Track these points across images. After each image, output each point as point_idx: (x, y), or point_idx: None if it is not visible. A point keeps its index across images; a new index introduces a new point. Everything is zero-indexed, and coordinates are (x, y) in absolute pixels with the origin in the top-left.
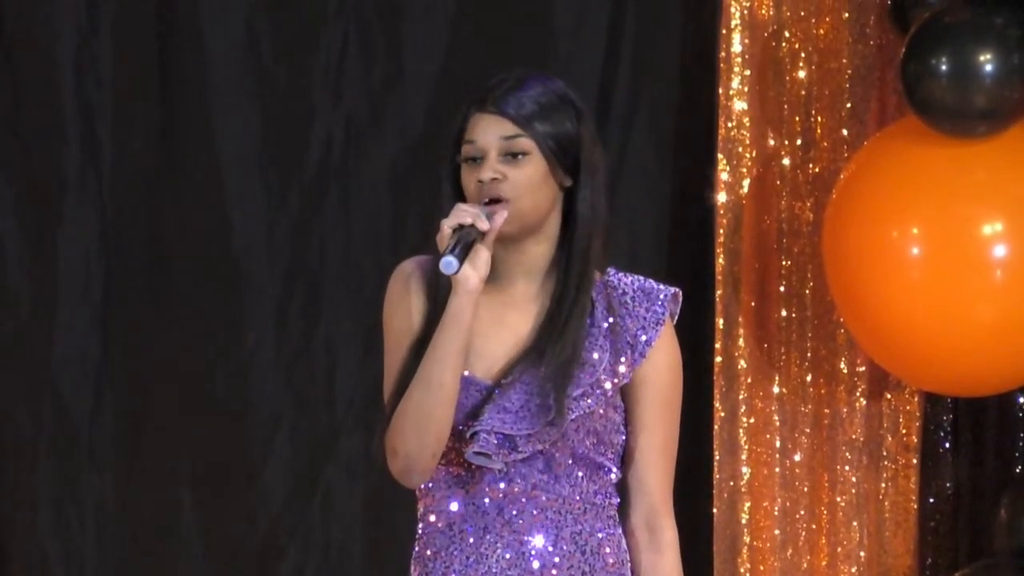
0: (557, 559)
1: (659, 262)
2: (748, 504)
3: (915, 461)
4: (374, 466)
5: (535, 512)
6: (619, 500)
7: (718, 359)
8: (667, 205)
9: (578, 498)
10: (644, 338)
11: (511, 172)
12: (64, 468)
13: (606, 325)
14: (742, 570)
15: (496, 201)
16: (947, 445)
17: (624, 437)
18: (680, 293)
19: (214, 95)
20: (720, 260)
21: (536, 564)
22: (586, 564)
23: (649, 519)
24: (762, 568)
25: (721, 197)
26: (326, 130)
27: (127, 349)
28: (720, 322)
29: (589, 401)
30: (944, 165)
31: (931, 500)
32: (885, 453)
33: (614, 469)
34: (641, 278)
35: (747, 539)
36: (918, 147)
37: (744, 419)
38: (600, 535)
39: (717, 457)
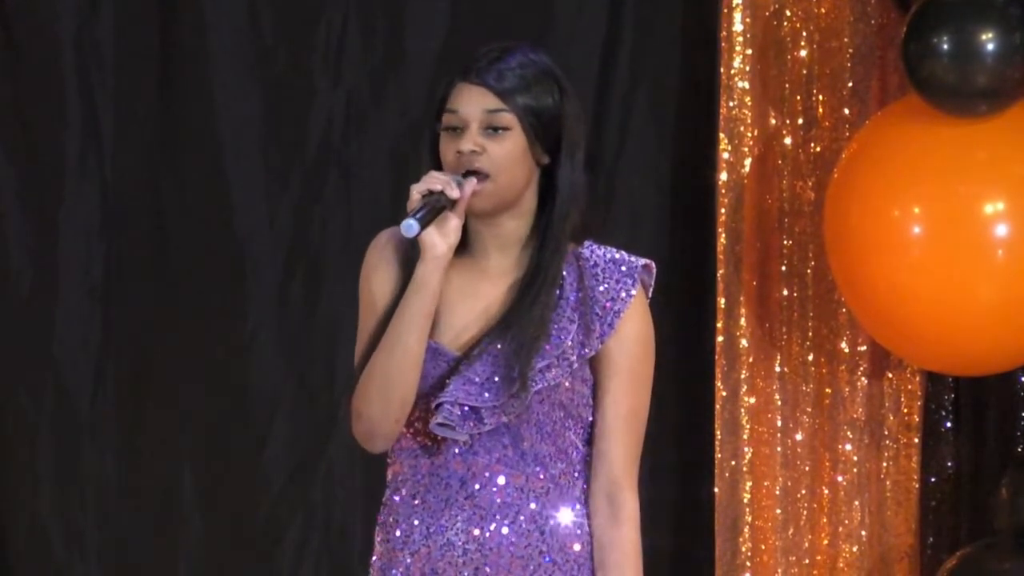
0: (515, 537)
1: (660, 241)
2: (749, 483)
3: (916, 440)
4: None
5: (497, 487)
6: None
7: (719, 339)
8: (668, 184)
9: (542, 476)
10: (613, 309)
11: (491, 146)
12: (65, 447)
13: (575, 298)
14: (743, 549)
15: (474, 173)
16: (948, 424)
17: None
18: (653, 265)
19: (215, 75)
20: (721, 239)
21: (494, 540)
22: (544, 544)
23: (610, 491)
24: (763, 547)
25: (722, 176)
26: (327, 110)
27: (128, 329)
28: (721, 302)
29: (554, 372)
30: (946, 144)
31: (932, 479)
32: (886, 432)
33: (580, 446)
34: (614, 250)
35: (748, 518)
36: (920, 126)
37: (745, 399)
38: (561, 516)
39: (719, 436)
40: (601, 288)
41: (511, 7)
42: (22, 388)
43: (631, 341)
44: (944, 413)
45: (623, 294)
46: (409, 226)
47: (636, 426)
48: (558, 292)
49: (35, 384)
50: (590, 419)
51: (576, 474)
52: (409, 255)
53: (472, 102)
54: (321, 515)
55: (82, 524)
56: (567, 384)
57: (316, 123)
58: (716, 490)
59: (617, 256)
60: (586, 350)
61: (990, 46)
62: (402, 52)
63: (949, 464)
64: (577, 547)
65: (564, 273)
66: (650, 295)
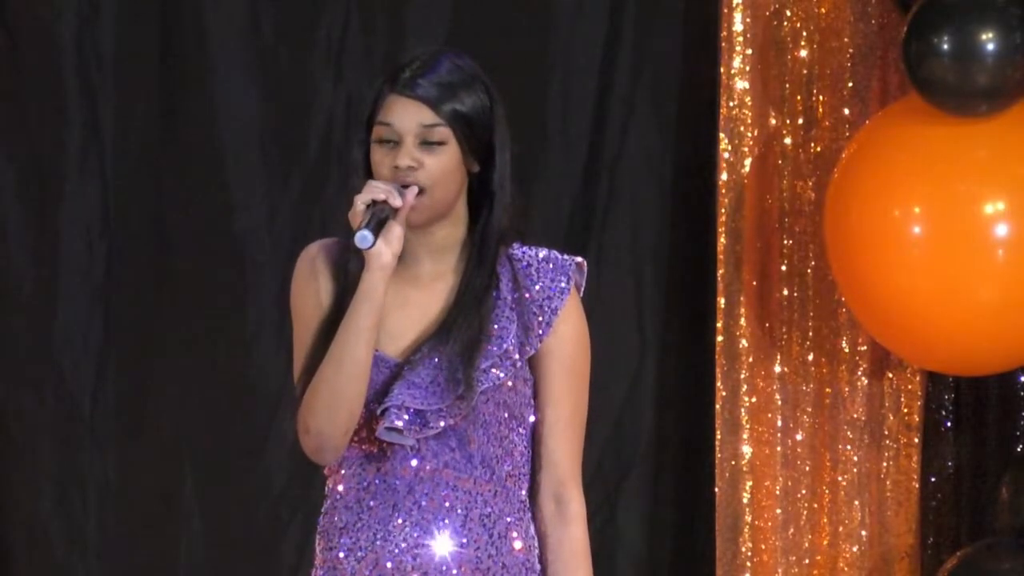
0: (464, 540)
1: (661, 241)
2: (750, 483)
3: (916, 440)
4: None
5: (445, 492)
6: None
7: (719, 338)
8: (669, 184)
9: (489, 479)
10: (549, 308)
11: (428, 160)
12: (66, 447)
13: (512, 298)
14: (744, 549)
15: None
16: (948, 424)
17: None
18: (585, 263)
19: (216, 75)
20: (722, 239)
21: (442, 545)
22: (492, 547)
23: (557, 491)
24: (764, 547)
25: (722, 176)
26: (327, 110)
27: (129, 329)
28: (721, 301)
29: (498, 373)
30: (946, 144)
31: (932, 479)
32: (887, 432)
33: (523, 447)
34: (546, 249)
35: (749, 518)
36: (920, 126)
37: (746, 398)
38: (509, 519)
39: (719, 436)
40: (536, 288)
41: (511, 7)
42: (23, 388)
43: (569, 339)
44: (944, 413)
45: (558, 292)
46: (364, 237)
47: (578, 424)
48: (495, 293)
49: (35, 384)
50: (532, 419)
51: (521, 475)
52: (341, 267)
53: (407, 116)
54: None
55: (82, 524)
56: (510, 384)
57: (316, 123)
58: (716, 490)
59: (549, 255)
60: (527, 348)
61: (990, 46)
62: (403, 52)
63: (949, 464)
64: (525, 550)
65: (499, 275)
66: (582, 293)
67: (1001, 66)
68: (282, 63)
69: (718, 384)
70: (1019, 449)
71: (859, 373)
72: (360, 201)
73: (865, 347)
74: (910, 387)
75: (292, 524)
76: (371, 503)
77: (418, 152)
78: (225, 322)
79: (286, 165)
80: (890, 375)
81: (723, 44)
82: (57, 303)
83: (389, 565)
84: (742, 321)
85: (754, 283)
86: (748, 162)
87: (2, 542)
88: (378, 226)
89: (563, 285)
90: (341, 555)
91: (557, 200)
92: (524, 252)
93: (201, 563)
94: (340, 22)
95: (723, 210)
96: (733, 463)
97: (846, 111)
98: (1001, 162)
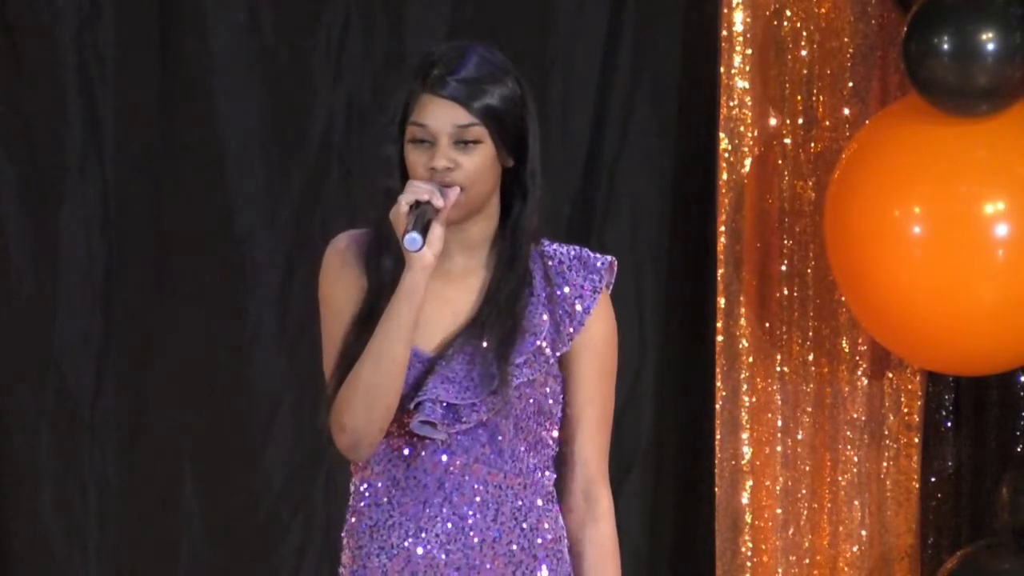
0: (496, 534)
1: (660, 241)
2: (750, 483)
3: (917, 440)
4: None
5: (476, 486)
6: (556, 475)
7: (719, 338)
8: (668, 184)
9: (519, 473)
10: (581, 307)
11: (463, 160)
12: (66, 447)
13: (544, 295)
14: (744, 549)
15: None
16: (948, 424)
17: (562, 408)
18: (615, 262)
19: (216, 75)
20: (722, 239)
21: (476, 539)
22: (524, 539)
23: (586, 489)
24: (764, 547)
25: (722, 176)
26: (328, 110)
27: (129, 328)
28: (721, 301)
29: (531, 369)
30: (946, 144)
31: (932, 479)
32: (887, 432)
33: (551, 443)
34: (576, 247)
35: (749, 518)
36: (920, 126)
37: (746, 398)
38: (539, 511)
39: (719, 436)
40: (567, 287)
41: (512, 7)
42: (22, 388)
43: (599, 339)
44: (944, 413)
45: (590, 292)
46: (414, 240)
47: (606, 422)
48: (528, 290)
49: (35, 384)
50: (559, 415)
51: (548, 468)
52: (371, 260)
53: (442, 116)
54: (321, 515)
55: (83, 523)
56: (541, 379)
57: (317, 123)
58: (716, 490)
59: (580, 253)
60: (559, 346)
61: (990, 46)
62: (403, 52)
63: (949, 464)
64: (555, 540)
65: (531, 271)
66: (610, 291)
67: (1001, 66)
68: (282, 63)
69: (718, 384)
70: (1019, 449)
71: (859, 373)
72: (404, 202)
73: (865, 347)
74: (910, 387)
75: (291, 524)
76: (401, 499)
77: (453, 152)
78: (225, 322)
79: (286, 165)
80: (890, 375)
81: (723, 44)
82: (57, 303)
83: (421, 562)
84: (742, 321)
85: (754, 283)
86: (748, 162)
87: (2, 542)
88: (425, 227)
89: (596, 284)
90: (372, 553)
91: (557, 200)
92: (555, 249)
93: (201, 563)
94: (340, 22)
95: (723, 210)
96: (733, 463)
97: (846, 111)
98: (1001, 162)
